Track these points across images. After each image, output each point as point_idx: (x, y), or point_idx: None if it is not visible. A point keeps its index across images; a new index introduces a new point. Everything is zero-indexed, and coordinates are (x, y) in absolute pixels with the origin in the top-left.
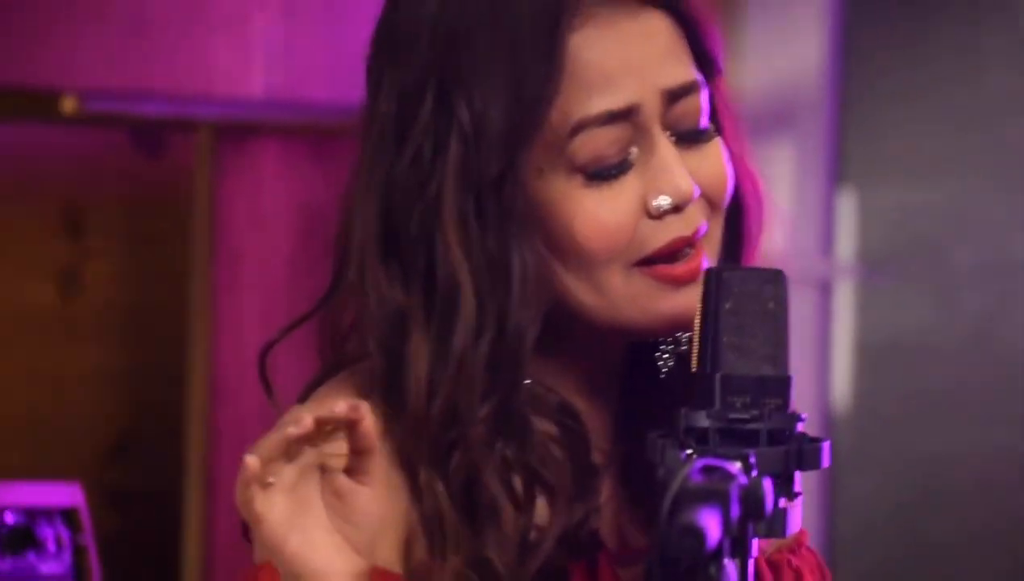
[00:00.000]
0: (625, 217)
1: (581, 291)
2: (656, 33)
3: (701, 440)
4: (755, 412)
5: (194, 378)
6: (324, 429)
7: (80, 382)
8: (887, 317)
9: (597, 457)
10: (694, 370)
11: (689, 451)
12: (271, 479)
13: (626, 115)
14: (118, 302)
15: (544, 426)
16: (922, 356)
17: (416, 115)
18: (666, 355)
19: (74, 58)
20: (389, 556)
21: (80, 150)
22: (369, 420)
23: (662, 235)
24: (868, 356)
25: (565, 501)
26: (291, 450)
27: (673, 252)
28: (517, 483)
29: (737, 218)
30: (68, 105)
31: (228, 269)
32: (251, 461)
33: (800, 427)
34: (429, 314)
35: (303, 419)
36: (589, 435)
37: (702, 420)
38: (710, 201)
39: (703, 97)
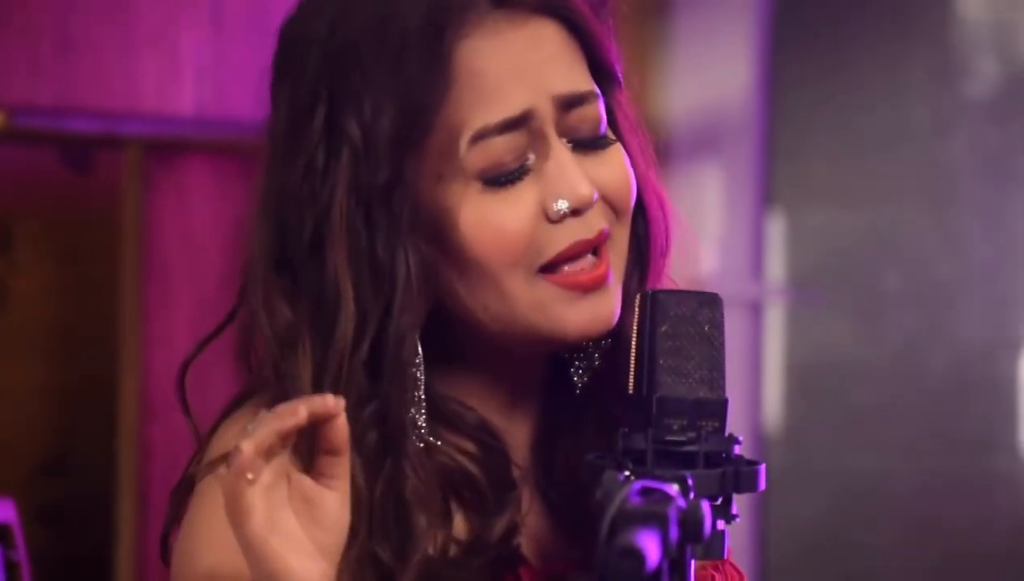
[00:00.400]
0: (524, 221)
1: (486, 298)
2: (545, 41)
3: (638, 462)
4: (692, 434)
5: (125, 394)
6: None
7: (10, 397)
8: (816, 338)
9: (516, 472)
10: (631, 392)
11: (627, 473)
12: (250, 475)
13: (521, 122)
14: (48, 318)
15: (462, 443)
16: (850, 376)
17: (308, 129)
18: (580, 370)
19: (2, 73)
20: None
21: (8, 166)
22: (343, 418)
23: (562, 238)
24: (798, 377)
25: (484, 516)
26: (273, 448)
27: (575, 255)
28: (436, 499)
29: (642, 228)
30: None
31: (158, 285)
32: (247, 448)
33: (737, 450)
34: (313, 327)
35: (299, 412)
36: (508, 451)
37: (639, 442)
38: (612, 206)
39: (600, 106)
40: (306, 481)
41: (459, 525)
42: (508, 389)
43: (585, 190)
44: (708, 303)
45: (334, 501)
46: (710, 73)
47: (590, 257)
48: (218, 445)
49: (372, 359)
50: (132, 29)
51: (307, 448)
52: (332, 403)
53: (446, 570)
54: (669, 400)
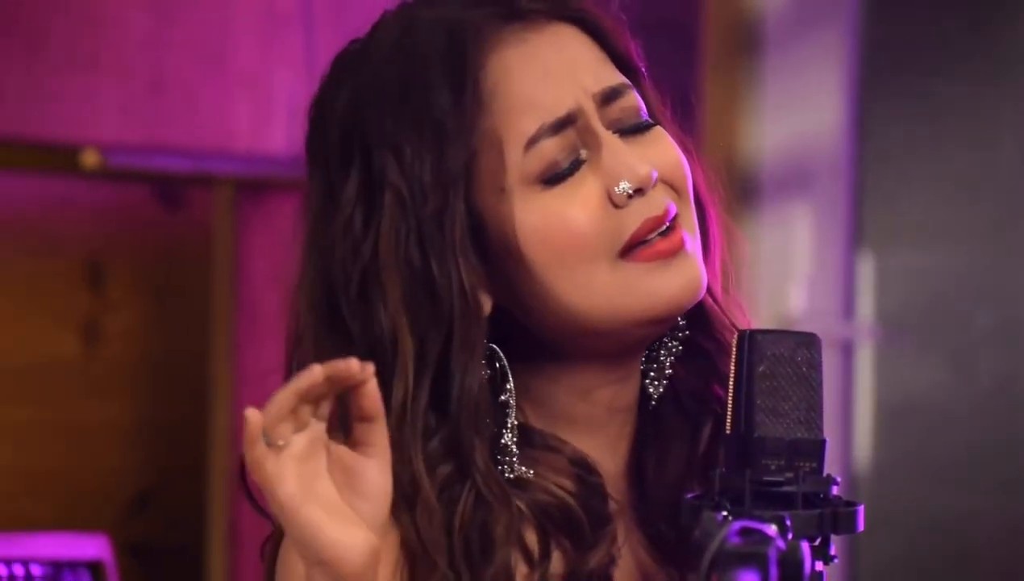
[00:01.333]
0: (592, 210)
1: (576, 297)
2: (569, 43)
3: (736, 502)
4: (790, 475)
5: (216, 431)
6: (332, 387)
7: (102, 434)
8: (906, 378)
9: (613, 504)
10: (728, 432)
11: (725, 513)
12: (281, 442)
13: (568, 121)
14: (140, 355)
15: (558, 478)
16: (940, 416)
17: (343, 189)
18: (654, 381)
19: (96, 112)
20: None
21: (102, 204)
22: (374, 383)
23: (632, 220)
24: (887, 417)
25: (580, 550)
26: (300, 413)
27: (648, 233)
28: (532, 535)
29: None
30: (90, 159)
31: (249, 323)
32: (251, 415)
33: (835, 490)
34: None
35: (313, 371)
36: (604, 484)
37: (737, 482)
38: (671, 184)
39: (635, 95)
40: (344, 450)
41: (555, 559)
42: (599, 410)
43: (644, 169)
44: (806, 343)
45: (373, 469)
46: (800, 113)
47: (660, 235)
48: None
49: (437, 393)
50: (225, 68)
51: (346, 422)
52: (356, 367)
53: None
54: (767, 440)
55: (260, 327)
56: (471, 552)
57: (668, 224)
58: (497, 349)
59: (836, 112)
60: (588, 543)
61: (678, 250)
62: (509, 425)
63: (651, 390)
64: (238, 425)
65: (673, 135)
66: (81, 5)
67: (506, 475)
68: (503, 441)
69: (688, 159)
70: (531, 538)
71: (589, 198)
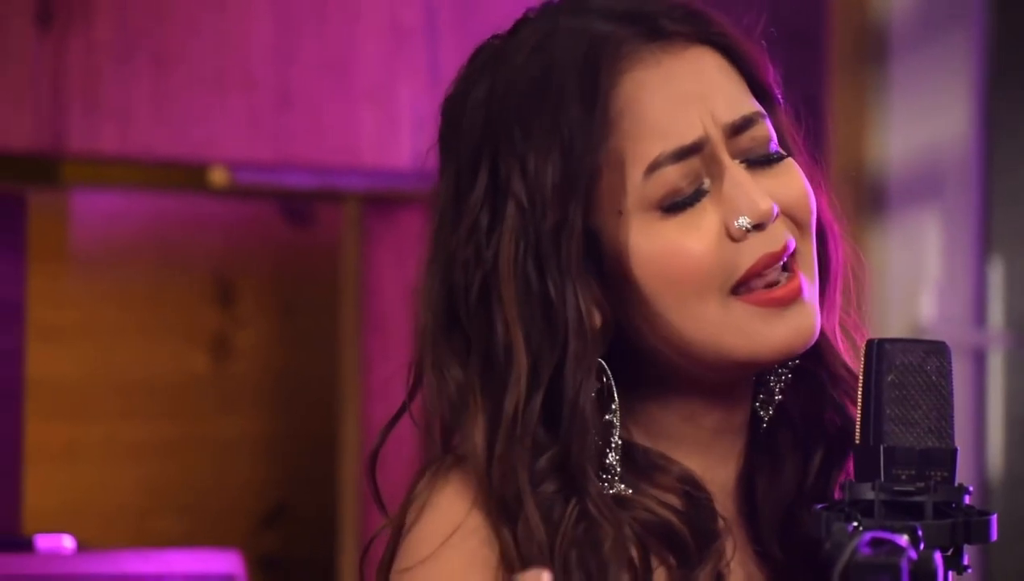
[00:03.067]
0: (708, 243)
1: (683, 326)
2: (705, 68)
3: (866, 512)
4: (920, 484)
5: (346, 445)
6: None
7: (233, 449)
8: None
9: (721, 521)
10: (857, 442)
11: (856, 524)
12: None
13: (694, 150)
14: (270, 370)
15: (664, 495)
16: None
17: (471, 192)
18: (763, 406)
19: (223, 130)
20: None
21: (230, 220)
22: None
23: (749, 255)
24: (1020, 425)
25: (687, 569)
26: None
27: (764, 270)
28: (634, 553)
29: (818, 245)
30: (218, 177)
31: (377, 337)
32: None
33: (967, 499)
34: (485, 384)
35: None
36: (712, 502)
37: (867, 492)
38: (794, 219)
39: (768, 125)
40: None
41: (660, 575)
42: (705, 432)
43: (765, 204)
44: (936, 352)
45: None
46: (928, 119)
47: (781, 272)
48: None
49: (548, 410)
50: (350, 82)
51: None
52: None
53: None
54: (897, 450)
55: (388, 341)
56: (569, 569)
57: (785, 262)
58: (605, 366)
59: (964, 117)
60: (694, 560)
61: (794, 299)
62: (613, 444)
63: (761, 413)
64: (367, 439)
65: (803, 164)
66: (208, 23)
67: (606, 492)
68: (607, 460)
69: (815, 188)
70: (634, 556)
71: (707, 230)
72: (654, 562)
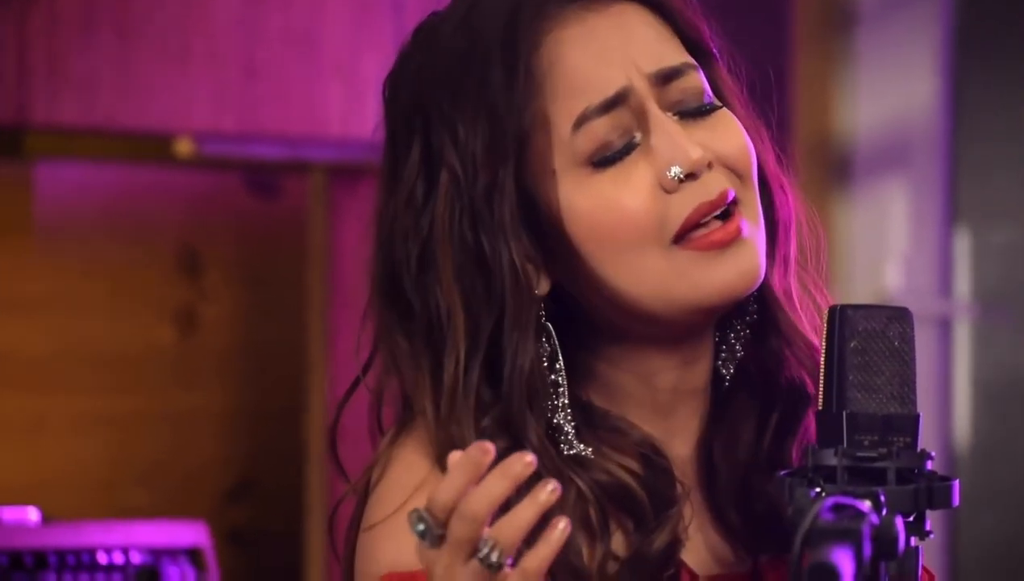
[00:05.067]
0: (642, 195)
1: (626, 282)
2: (631, 23)
3: (829, 479)
4: (883, 450)
5: (313, 417)
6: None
7: (199, 422)
8: (1003, 355)
9: (679, 486)
10: (820, 408)
11: (818, 489)
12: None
13: (618, 101)
14: (236, 342)
15: (623, 459)
16: None
17: (406, 163)
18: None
19: (188, 101)
20: None
21: (195, 192)
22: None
23: (685, 205)
24: (985, 393)
25: (644, 532)
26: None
27: (700, 218)
28: (592, 513)
29: (764, 200)
30: (183, 148)
31: (344, 309)
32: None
33: (929, 465)
34: (429, 349)
35: (486, 447)
36: (671, 466)
37: (830, 458)
38: (732, 169)
39: (700, 76)
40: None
41: (618, 540)
42: (664, 395)
43: (695, 153)
44: (898, 318)
45: None
46: (895, 89)
47: (718, 221)
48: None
49: (491, 370)
50: (315, 55)
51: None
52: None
53: None
54: (859, 416)
55: (355, 313)
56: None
57: (725, 209)
58: (551, 328)
59: (931, 88)
60: (651, 524)
61: (734, 238)
62: (561, 404)
63: (723, 371)
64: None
65: (745, 118)
66: None
67: (565, 452)
68: (556, 420)
69: (757, 142)
70: (591, 516)
71: (640, 182)
72: (612, 525)
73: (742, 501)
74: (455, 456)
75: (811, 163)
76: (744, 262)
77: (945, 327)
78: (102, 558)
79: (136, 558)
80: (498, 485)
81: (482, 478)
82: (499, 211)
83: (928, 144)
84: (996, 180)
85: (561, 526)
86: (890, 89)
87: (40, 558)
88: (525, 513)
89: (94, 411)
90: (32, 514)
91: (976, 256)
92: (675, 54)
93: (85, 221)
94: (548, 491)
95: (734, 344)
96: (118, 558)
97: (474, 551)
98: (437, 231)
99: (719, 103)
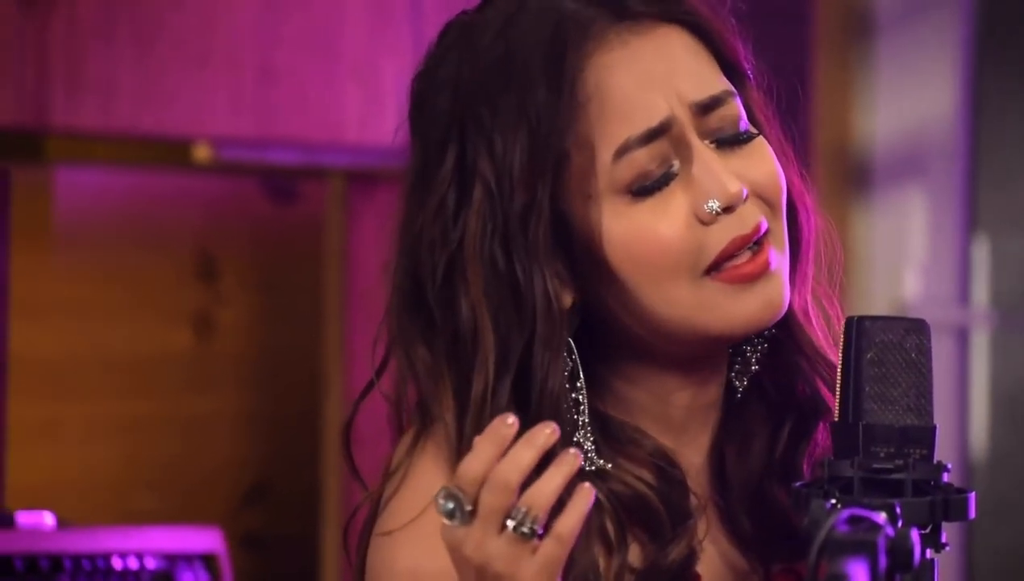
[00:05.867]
0: (678, 227)
1: (657, 307)
2: (673, 48)
3: (845, 490)
4: (899, 462)
5: (329, 422)
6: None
7: (215, 427)
8: (1022, 365)
9: (694, 498)
10: (837, 419)
11: (834, 501)
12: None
13: (661, 131)
14: (253, 346)
15: (638, 469)
16: None
17: (439, 171)
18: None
19: (206, 106)
20: None
21: (212, 197)
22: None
23: (720, 238)
24: (1003, 403)
25: (660, 543)
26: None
27: (735, 251)
28: (609, 525)
29: (789, 220)
30: (201, 153)
31: (361, 314)
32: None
33: (946, 477)
34: (452, 365)
35: (509, 417)
36: (684, 479)
37: (846, 470)
38: (764, 199)
39: (737, 103)
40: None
41: (634, 552)
42: (678, 411)
43: (734, 187)
44: (915, 329)
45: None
46: (914, 97)
47: (749, 252)
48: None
49: (518, 391)
50: (334, 58)
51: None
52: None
53: None
54: (876, 427)
55: (371, 318)
56: None
57: (754, 246)
58: (572, 344)
59: (951, 96)
60: (667, 536)
61: (763, 272)
62: (581, 423)
63: (736, 383)
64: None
65: (774, 140)
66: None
67: (585, 468)
68: (576, 439)
69: (784, 163)
70: (608, 528)
71: (677, 213)
72: (627, 536)
73: (754, 511)
74: (478, 437)
75: (830, 171)
76: (770, 295)
77: (963, 336)
78: (117, 563)
79: (151, 563)
80: (527, 454)
81: (507, 450)
82: (533, 233)
83: (947, 152)
84: (1016, 188)
85: (587, 486)
86: (909, 97)
87: (56, 563)
88: (553, 478)
89: (109, 415)
90: (48, 519)
91: (995, 265)
92: (715, 81)
93: (103, 226)
94: (571, 454)
95: (749, 358)
96: (133, 563)
97: (505, 522)
98: (468, 246)
99: (755, 130)
